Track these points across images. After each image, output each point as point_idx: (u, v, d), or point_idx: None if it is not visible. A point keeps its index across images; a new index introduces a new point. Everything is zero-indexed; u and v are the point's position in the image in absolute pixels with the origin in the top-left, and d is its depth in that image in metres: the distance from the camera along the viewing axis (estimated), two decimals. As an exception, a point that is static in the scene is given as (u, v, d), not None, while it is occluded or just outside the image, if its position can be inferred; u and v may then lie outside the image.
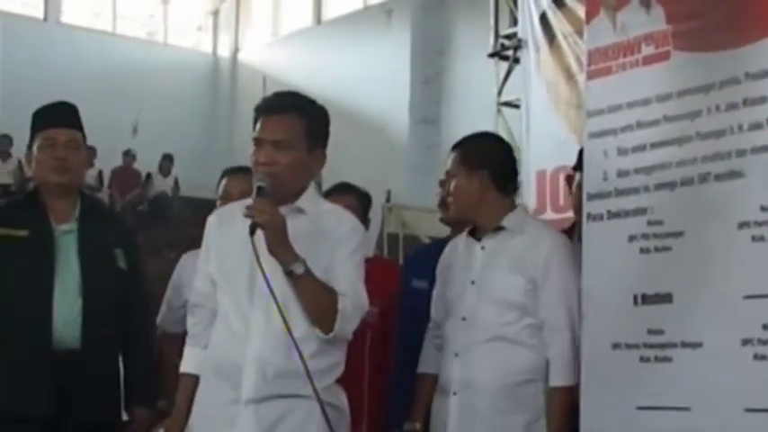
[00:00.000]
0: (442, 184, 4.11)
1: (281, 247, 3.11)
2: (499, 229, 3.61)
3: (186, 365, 3.39)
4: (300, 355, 3.07)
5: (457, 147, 3.74)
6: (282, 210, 3.21)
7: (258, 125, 3.27)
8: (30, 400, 3.64)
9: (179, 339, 3.69)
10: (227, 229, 3.33)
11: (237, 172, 4.49)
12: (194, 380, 3.33)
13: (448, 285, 3.71)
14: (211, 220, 3.44)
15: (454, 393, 3.52)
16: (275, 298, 3.07)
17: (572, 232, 3.92)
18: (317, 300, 3.17)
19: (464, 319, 3.56)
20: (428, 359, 3.76)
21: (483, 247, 3.63)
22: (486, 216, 3.63)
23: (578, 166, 3.94)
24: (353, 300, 3.20)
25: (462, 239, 3.76)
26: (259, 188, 3.17)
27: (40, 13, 18.92)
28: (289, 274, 3.11)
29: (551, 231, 3.69)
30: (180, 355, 3.46)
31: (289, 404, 3.15)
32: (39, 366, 3.66)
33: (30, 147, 3.92)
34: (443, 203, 4.08)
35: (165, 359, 4.36)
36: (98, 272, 3.82)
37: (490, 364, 3.47)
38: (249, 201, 3.31)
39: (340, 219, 3.31)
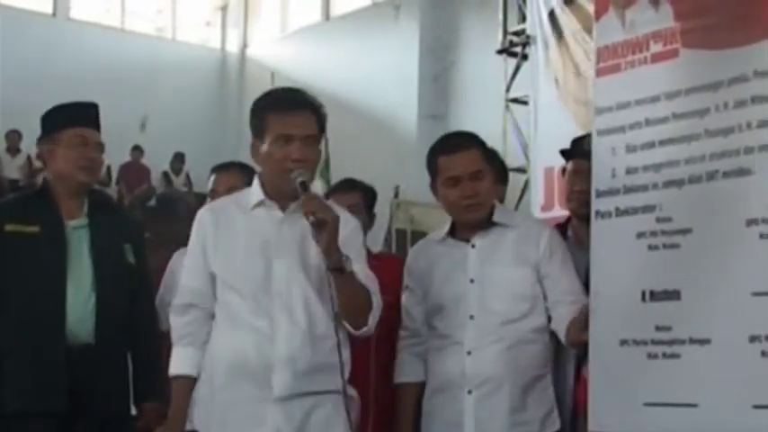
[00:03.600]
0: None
1: (335, 243, 3.10)
2: (490, 225, 3.61)
3: (180, 367, 3.28)
4: (340, 351, 3.11)
5: (472, 145, 3.63)
6: (292, 207, 3.23)
7: (280, 120, 3.23)
8: (46, 395, 3.67)
9: (169, 338, 3.46)
10: (226, 226, 3.28)
11: (225, 168, 4.51)
12: (191, 381, 3.26)
13: (431, 289, 3.65)
14: (204, 216, 3.34)
15: (469, 392, 3.50)
16: (333, 295, 3.11)
17: (565, 228, 3.96)
18: (358, 296, 3.20)
19: (472, 317, 3.55)
20: (406, 368, 3.73)
21: (474, 246, 3.61)
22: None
23: (570, 155, 3.98)
24: (376, 297, 3.26)
25: (434, 242, 3.73)
26: (303, 183, 3.15)
27: (48, 9, 18.93)
28: (338, 270, 3.10)
29: (544, 221, 3.78)
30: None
31: (316, 400, 3.17)
32: (54, 361, 3.69)
33: (51, 141, 3.91)
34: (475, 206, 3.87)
35: None
36: (110, 267, 3.85)
37: (506, 362, 3.48)
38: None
39: (345, 219, 3.27)
